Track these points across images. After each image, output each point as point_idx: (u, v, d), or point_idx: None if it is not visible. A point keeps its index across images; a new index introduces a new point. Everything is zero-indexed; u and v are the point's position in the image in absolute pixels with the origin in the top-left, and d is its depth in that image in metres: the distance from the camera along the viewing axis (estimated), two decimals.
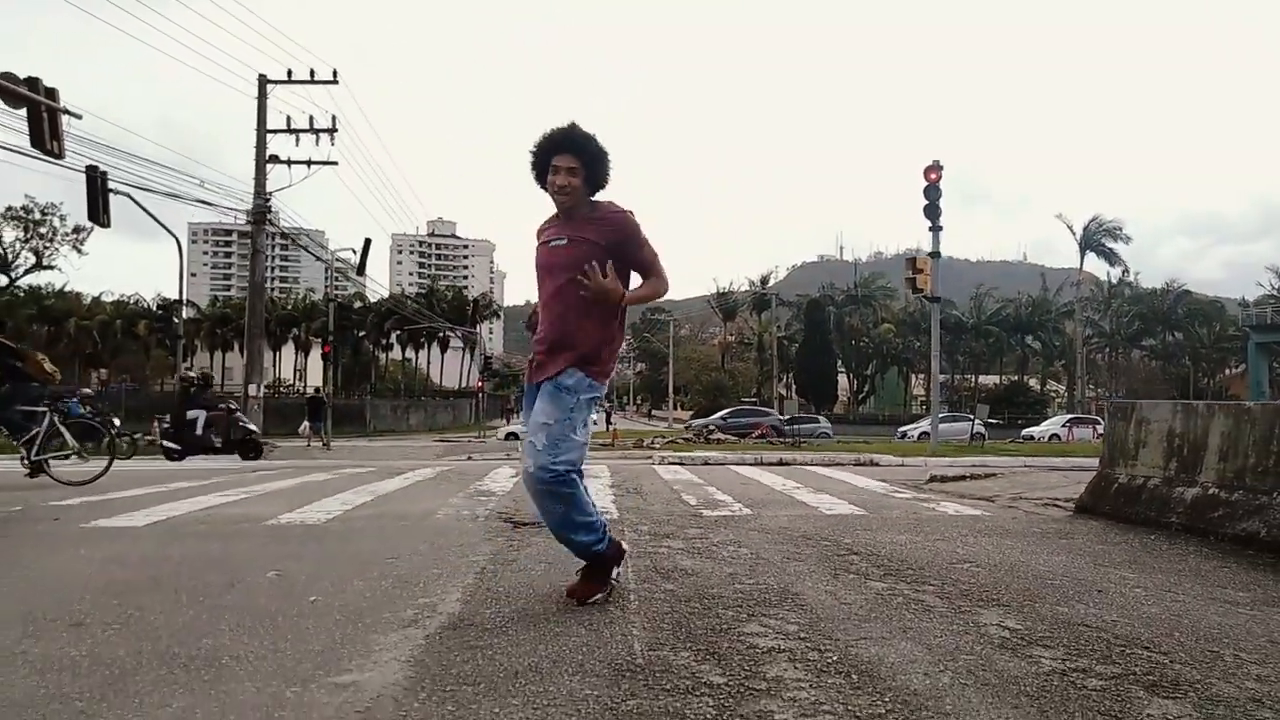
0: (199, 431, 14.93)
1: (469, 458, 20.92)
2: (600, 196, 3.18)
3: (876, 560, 4.11)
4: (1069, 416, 43.22)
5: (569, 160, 3.06)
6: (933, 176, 14.01)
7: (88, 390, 15.83)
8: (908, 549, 4.44)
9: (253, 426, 16.40)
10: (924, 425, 36.33)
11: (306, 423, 27.85)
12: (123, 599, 3.28)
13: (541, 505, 3.10)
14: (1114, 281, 70.00)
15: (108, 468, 8.44)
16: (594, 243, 3.07)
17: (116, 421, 14.16)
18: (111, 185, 19.54)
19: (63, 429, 8.31)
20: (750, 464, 11.93)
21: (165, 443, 14.80)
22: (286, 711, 2.15)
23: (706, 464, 11.69)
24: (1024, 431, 37.50)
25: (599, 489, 7.53)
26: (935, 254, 14.31)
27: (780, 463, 12.06)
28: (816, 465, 11.92)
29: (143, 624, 2.94)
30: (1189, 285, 76.17)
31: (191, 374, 16.79)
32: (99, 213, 18.65)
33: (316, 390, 32.19)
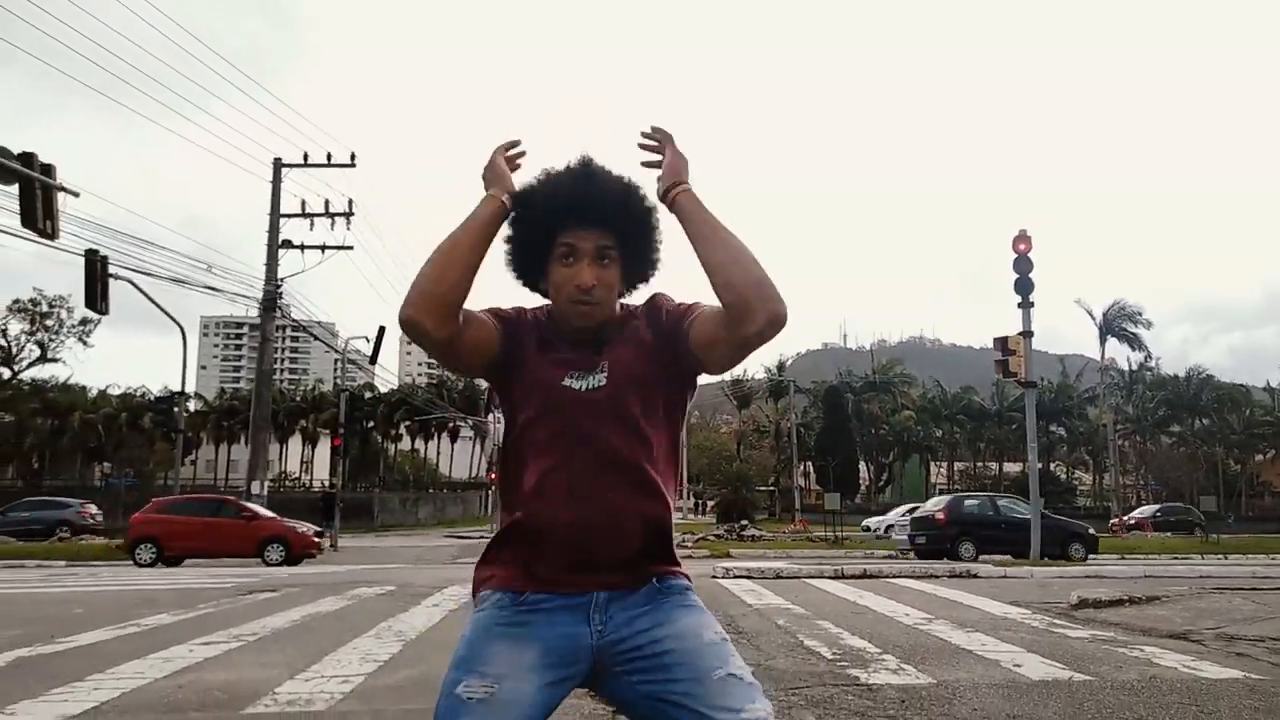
0: None
1: None
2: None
3: None
4: (908, 507, 39.47)
5: (598, 236, 1.52)
6: (1022, 247, 12.55)
7: None
8: None
9: None
10: (890, 518, 33.98)
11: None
12: None
13: None
14: (1134, 367, 68.77)
15: None
16: (645, 356, 1.55)
17: None
18: (114, 271, 18.43)
19: None
20: (830, 577, 10.21)
21: None
22: None
23: (779, 577, 9.98)
24: (863, 523, 34.36)
25: None
26: (1028, 333, 12.82)
27: (864, 575, 10.34)
28: (907, 578, 10.20)
29: None
30: (1209, 370, 74.91)
31: None
32: (97, 299, 17.44)
33: (330, 487, 30.70)
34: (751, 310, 1.39)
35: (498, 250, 1.58)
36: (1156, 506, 45.53)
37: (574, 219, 1.51)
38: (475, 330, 1.52)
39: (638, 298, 1.64)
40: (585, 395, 1.51)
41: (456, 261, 1.46)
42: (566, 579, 1.46)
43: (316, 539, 18.48)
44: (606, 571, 1.47)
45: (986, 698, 3.88)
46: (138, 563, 16.85)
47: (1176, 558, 19.40)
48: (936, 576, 10.48)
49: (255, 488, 22.48)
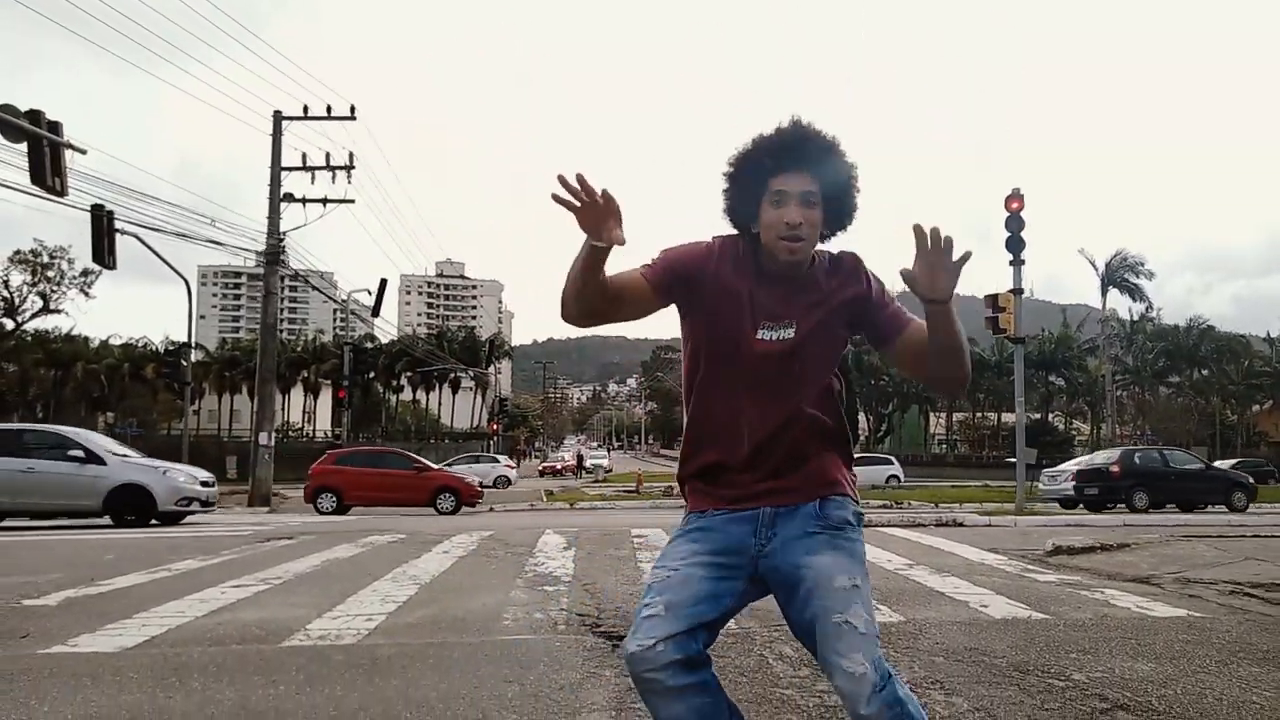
0: None
1: (490, 509, 19.76)
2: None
3: None
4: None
5: (806, 181, 1.77)
6: (1014, 206, 12.85)
7: None
8: (1177, 694, 3.23)
9: None
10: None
11: None
12: None
13: None
14: (1135, 318, 68.91)
15: None
16: (830, 312, 1.85)
17: None
18: (119, 225, 18.63)
19: None
20: None
21: None
22: None
23: None
24: None
25: None
26: (1018, 290, 13.17)
27: None
28: (895, 528, 10.66)
29: None
30: (1209, 320, 74.94)
31: None
32: (104, 254, 17.71)
33: (337, 438, 31.25)
34: (947, 392, 1.87)
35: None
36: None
37: (785, 166, 1.77)
38: (629, 302, 1.81)
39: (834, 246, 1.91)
40: (774, 346, 1.81)
41: (574, 285, 1.73)
42: (740, 500, 1.84)
43: (481, 489, 19.57)
44: (771, 494, 1.83)
45: (949, 633, 4.29)
46: (319, 510, 17.80)
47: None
48: (924, 525, 10.95)
49: (263, 439, 22.97)
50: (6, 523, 13.04)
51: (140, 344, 72.92)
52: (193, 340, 32.62)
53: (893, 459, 39.11)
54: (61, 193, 14.00)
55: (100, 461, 12.82)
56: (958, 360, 1.75)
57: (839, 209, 1.83)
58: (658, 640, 1.69)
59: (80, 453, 12.77)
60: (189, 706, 3.14)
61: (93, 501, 12.59)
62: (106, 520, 12.65)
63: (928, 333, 1.73)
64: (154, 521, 12.78)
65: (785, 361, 1.82)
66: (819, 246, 1.86)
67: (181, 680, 3.48)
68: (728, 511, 1.84)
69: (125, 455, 13.58)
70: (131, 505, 12.63)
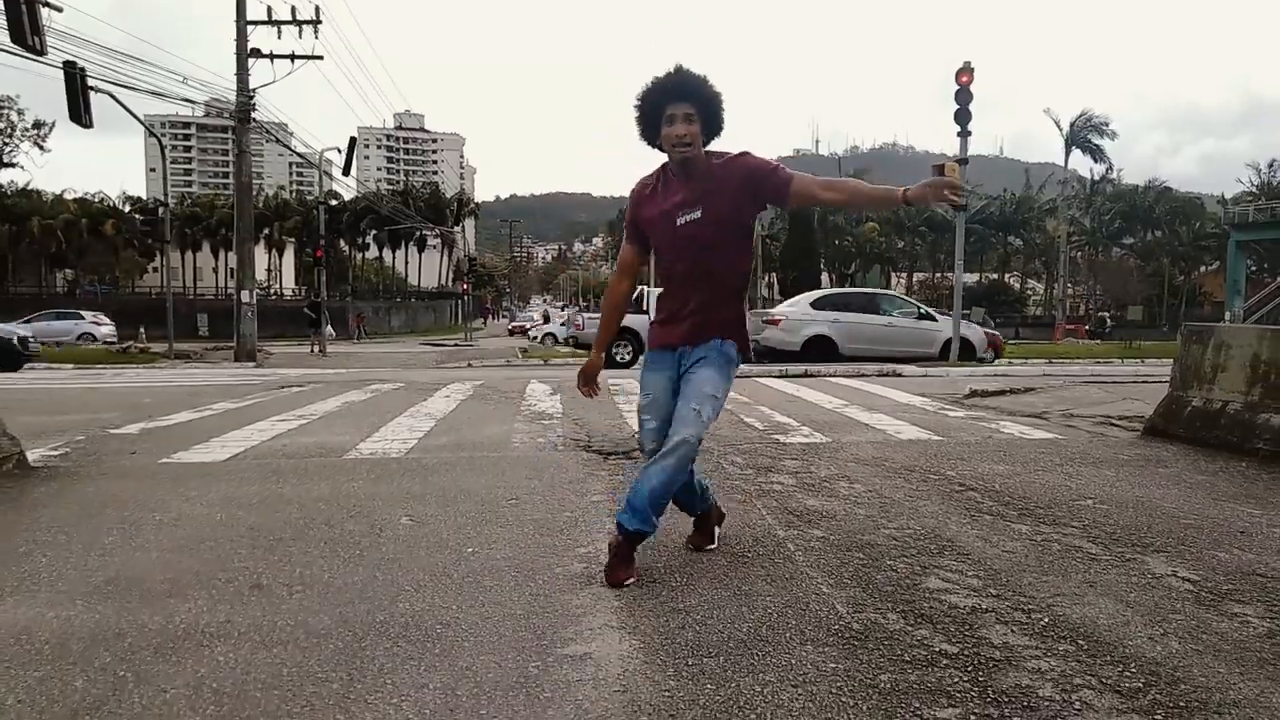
0: None
1: (469, 364, 20.92)
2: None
3: (997, 497, 4.14)
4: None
5: (685, 107, 2.80)
6: (964, 80, 13.70)
7: None
8: (1017, 482, 4.48)
9: None
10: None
11: (329, 329, 28.98)
12: (279, 553, 3.23)
13: (675, 474, 2.87)
14: (1096, 178, 69.99)
15: None
16: (728, 198, 2.87)
17: None
18: (90, 83, 18.58)
19: None
20: (775, 376, 11.96)
21: None
22: (546, 689, 2.14)
23: None
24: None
25: None
26: (963, 160, 14.13)
27: (805, 374, 12.10)
28: (841, 377, 11.99)
29: (321, 584, 2.90)
30: (1167, 182, 76.31)
31: None
32: (80, 112, 17.75)
33: (316, 295, 31.82)
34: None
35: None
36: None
37: (672, 97, 2.80)
38: (638, 265, 3.15)
39: (721, 146, 2.94)
40: (688, 226, 2.88)
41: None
42: (672, 341, 3.01)
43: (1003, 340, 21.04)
44: (693, 335, 2.99)
45: (863, 449, 5.53)
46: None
47: (1098, 361, 21.64)
48: (866, 375, 12.28)
49: (245, 296, 23.66)
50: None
51: (97, 199, 71.34)
52: (141, 192, 32.56)
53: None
54: (41, 51, 14.11)
55: (933, 319, 15.99)
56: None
57: (711, 123, 2.85)
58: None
59: (918, 311, 16.12)
60: (298, 492, 4.26)
61: (932, 350, 15.58)
62: None
63: (868, 201, 2.98)
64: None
65: (698, 235, 2.88)
66: (715, 150, 2.91)
67: (281, 478, 4.60)
68: (665, 348, 3.02)
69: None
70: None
